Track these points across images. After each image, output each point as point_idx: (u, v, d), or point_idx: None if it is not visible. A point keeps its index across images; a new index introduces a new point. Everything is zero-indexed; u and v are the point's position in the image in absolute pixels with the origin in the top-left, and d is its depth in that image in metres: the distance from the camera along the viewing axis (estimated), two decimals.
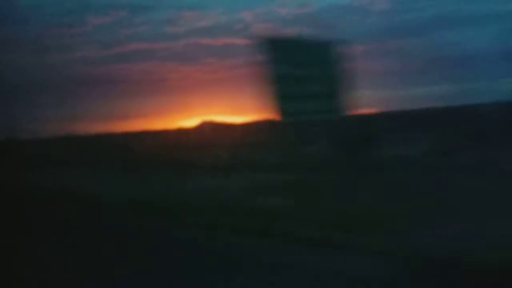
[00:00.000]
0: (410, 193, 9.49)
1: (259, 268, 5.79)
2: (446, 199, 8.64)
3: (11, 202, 11.70)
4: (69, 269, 6.18)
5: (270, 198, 9.92)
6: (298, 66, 14.64)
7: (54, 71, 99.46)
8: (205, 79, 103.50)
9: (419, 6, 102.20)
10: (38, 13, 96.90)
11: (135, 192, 12.17)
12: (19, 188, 14.42)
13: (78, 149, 32.73)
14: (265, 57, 14.10)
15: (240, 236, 7.47)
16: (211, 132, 46.68)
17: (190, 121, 63.52)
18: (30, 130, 54.66)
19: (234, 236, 7.53)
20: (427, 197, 9.08)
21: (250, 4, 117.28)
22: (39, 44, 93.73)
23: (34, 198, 12.63)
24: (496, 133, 19.11)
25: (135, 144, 34.30)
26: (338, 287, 5.10)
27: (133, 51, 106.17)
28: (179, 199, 10.91)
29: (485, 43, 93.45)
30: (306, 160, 15.32)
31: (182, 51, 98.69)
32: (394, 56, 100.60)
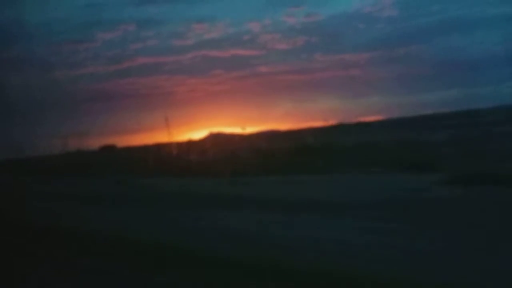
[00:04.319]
0: None
1: None
2: None
3: None
4: None
5: None
6: None
7: (62, 88, 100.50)
8: (212, 91, 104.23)
9: (426, 12, 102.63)
10: (47, 30, 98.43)
11: None
12: None
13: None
14: None
15: None
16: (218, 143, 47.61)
17: (197, 134, 64.25)
18: (39, 147, 56.06)
19: None
20: None
21: (257, 15, 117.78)
22: (48, 61, 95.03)
23: None
24: None
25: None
26: None
27: (141, 65, 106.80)
28: None
29: (492, 47, 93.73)
30: None
31: (190, 64, 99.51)
32: (401, 62, 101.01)
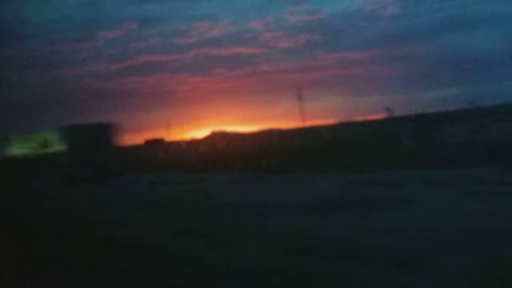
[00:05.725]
0: None
1: None
2: None
3: None
4: None
5: None
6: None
7: (65, 86, 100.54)
8: (214, 90, 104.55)
9: (429, 10, 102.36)
10: (50, 28, 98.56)
11: None
12: None
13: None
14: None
15: None
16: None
17: (200, 132, 63.99)
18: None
19: None
20: None
21: (259, 13, 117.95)
22: (51, 59, 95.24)
23: None
24: None
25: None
26: None
27: (143, 64, 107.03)
28: None
29: (494, 45, 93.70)
30: None
31: (192, 62, 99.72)
32: (404, 60, 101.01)
